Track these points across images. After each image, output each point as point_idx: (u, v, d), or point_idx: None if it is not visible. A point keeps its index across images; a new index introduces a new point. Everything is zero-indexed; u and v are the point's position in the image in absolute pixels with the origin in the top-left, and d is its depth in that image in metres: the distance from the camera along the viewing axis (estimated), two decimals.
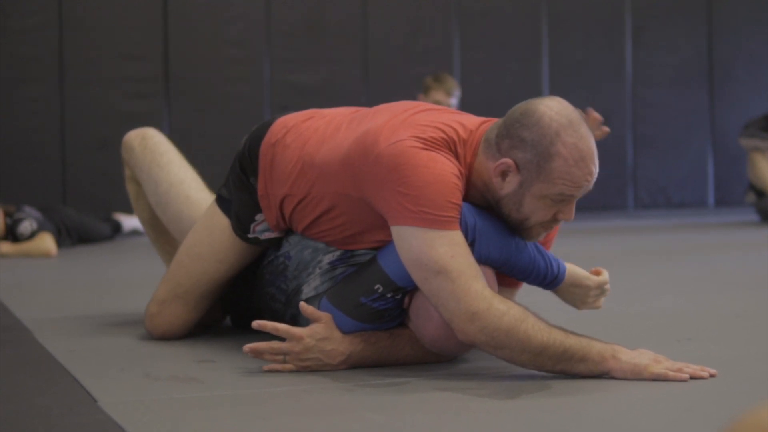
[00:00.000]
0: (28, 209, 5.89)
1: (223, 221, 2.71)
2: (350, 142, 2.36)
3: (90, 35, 7.87)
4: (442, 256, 2.16)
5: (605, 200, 9.11)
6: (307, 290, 2.48)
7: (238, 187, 2.68)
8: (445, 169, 2.22)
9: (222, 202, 2.73)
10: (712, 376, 2.15)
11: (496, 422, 1.87)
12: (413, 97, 6.60)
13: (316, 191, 2.45)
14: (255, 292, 2.71)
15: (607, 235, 6.82)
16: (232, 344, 2.66)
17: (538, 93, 8.84)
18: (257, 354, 2.30)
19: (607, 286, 2.54)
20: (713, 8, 9.47)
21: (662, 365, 2.14)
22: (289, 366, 2.30)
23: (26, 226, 5.72)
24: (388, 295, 2.29)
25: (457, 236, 2.19)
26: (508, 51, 8.90)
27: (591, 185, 2.24)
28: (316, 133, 2.52)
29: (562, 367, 2.16)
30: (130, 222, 6.76)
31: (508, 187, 2.25)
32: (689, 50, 9.41)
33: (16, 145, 7.68)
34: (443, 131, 2.28)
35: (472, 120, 2.37)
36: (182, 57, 8.08)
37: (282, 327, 2.30)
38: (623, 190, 9.23)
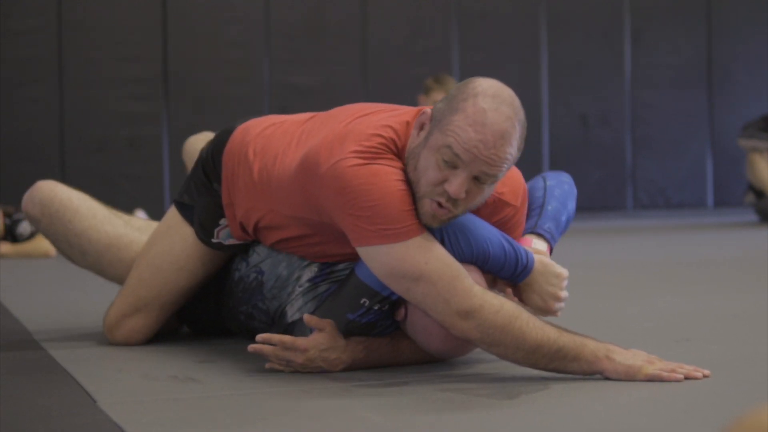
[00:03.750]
0: None
1: (184, 230, 2.64)
2: (297, 163, 2.32)
3: (90, 36, 7.88)
4: (415, 265, 2.14)
5: (604, 201, 9.12)
6: (292, 312, 2.42)
7: (201, 192, 2.63)
8: (390, 179, 2.17)
9: (183, 209, 2.66)
10: (705, 376, 2.15)
11: (495, 423, 1.87)
12: (413, 99, 6.61)
13: (276, 212, 2.42)
14: (224, 311, 2.66)
15: (605, 235, 6.82)
16: (231, 345, 2.66)
17: (537, 94, 8.86)
18: (261, 355, 2.30)
19: (566, 284, 2.40)
20: (713, 9, 9.47)
21: (656, 366, 2.13)
22: (290, 368, 2.30)
23: (25, 227, 5.72)
24: (375, 308, 2.27)
25: (423, 240, 2.16)
26: (508, 52, 8.90)
27: (489, 164, 2.12)
28: (271, 146, 2.46)
29: (555, 366, 2.15)
30: None
31: (419, 139, 2.20)
32: (689, 51, 9.42)
33: (16, 145, 7.69)
34: (380, 135, 2.23)
35: (410, 110, 2.33)
36: (182, 58, 8.08)
37: (287, 339, 2.27)
38: (622, 190, 9.24)
